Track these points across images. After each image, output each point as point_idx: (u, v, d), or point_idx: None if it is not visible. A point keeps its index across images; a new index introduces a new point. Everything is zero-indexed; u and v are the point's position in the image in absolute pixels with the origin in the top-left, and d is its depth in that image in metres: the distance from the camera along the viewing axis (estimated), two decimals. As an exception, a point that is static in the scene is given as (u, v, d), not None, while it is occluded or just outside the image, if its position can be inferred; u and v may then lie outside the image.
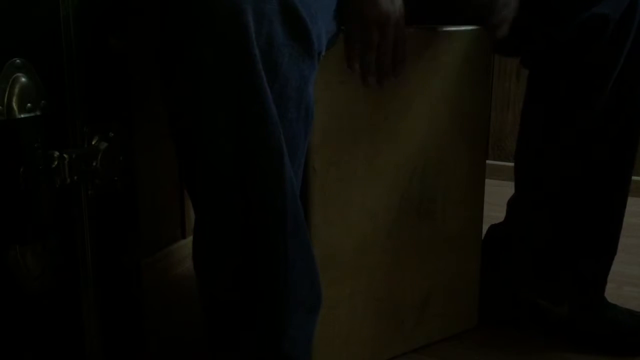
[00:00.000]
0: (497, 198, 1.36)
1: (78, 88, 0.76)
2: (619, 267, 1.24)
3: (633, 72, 1.08)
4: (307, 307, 0.84)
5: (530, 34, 1.09)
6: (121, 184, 0.82)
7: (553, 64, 1.12)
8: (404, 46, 0.89)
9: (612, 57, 1.06)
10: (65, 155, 0.74)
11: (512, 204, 1.27)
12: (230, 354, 0.84)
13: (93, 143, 0.78)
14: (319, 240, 0.97)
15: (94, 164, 0.78)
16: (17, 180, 0.70)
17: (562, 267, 1.19)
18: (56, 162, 0.73)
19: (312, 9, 0.76)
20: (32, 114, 0.71)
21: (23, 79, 0.70)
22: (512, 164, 1.25)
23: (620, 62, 1.06)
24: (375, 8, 0.85)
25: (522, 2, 1.03)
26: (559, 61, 1.10)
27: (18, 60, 0.70)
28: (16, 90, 0.69)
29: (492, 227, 1.30)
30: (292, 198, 0.77)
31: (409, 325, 1.13)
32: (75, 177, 0.76)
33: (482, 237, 1.22)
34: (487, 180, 1.17)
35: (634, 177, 1.15)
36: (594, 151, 1.13)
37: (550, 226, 1.19)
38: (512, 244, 1.25)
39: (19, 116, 0.69)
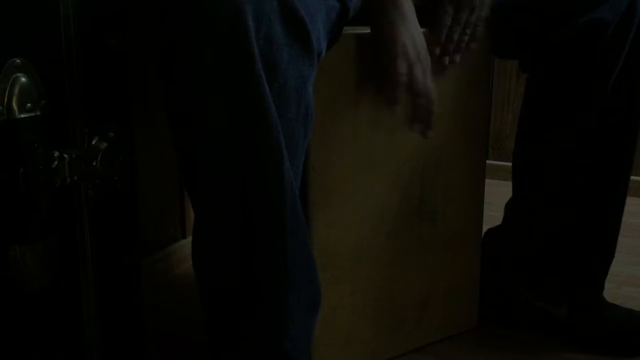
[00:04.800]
0: (497, 198, 1.36)
1: (78, 88, 0.76)
2: (618, 267, 1.24)
3: (632, 73, 1.08)
4: (307, 307, 0.84)
5: (530, 38, 1.09)
6: (121, 184, 0.82)
7: (552, 67, 1.12)
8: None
9: (611, 60, 1.06)
10: (65, 155, 0.74)
11: (509, 206, 1.27)
12: (231, 354, 0.84)
13: (93, 143, 0.78)
14: (319, 240, 0.97)
15: (94, 164, 0.78)
16: (17, 180, 0.70)
17: (561, 269, 1.19)
18: (56, 162, 0.73)
19: (312, 10, 0.76)
20: (32, 114, 0.70)
21: (23, 79, 0.70)
22: (512, 164, 1.25)
23: (619, 65, 1.07)
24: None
25: (521, 6, 1.03)
26: (558, 64, 1.10)
27: (18, 60, 0.70)
28: (16, 90, 0.69)
29: (491, 229, 1.30)
30: (292, 198, 0.77)
31: (409, 325, 1.13)
32: (75, 177, 0.76)
33: (482, 238, 1.22)
34: (487, 180, 1.17)
35: (633, 177, 1.15)
36: (593, 152, 1.13)
37: (548, 227, 1.19)
38: (510, 246, 1.25)
39: (19, 116, 0.69)
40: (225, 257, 0.80)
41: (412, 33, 0.90)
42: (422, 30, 0.92)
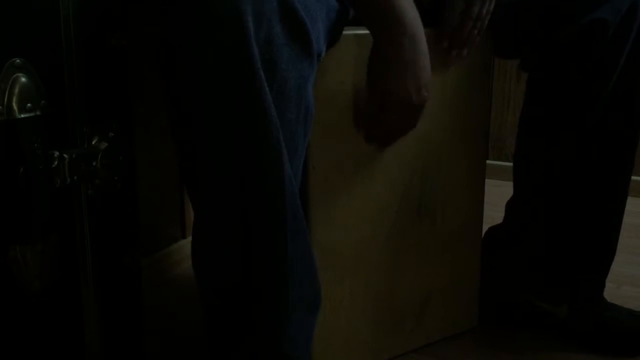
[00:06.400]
0: (497, 198, 1.36)
1: (78, 88, 0.76)
2: (618, 267, 1.24)
3: (633, 74, 1.08)
4: (307, 307, 0.84)
5: (530, 38, 1.09)
6: (121, 184, 0.82)
7: (553, 67, 1.12)
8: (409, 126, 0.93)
9: (612, 60, 1.06)
10: (65, 155, 0.74)
11: (510, 205, 1.27)
12: (230, 354, 0.84)
13: (93, 143, 0.78)
14: (319, 240, 0.97)
15: (94, 164, 0.78)
16: (17, 180, 0.70)
17: (561, 269, 1.19)
18: (56, 162, 0.73)
19: (312, 10, 0.76)
20: (32, 114, 0.70)
21: (23, 79, 0.70)
22: (512, 164, 1.25)
23: (620, 65, 1.07)
24: (401, 90, 0.86)
25: (522, 6, 1.03)
26: (559, 64, 1.10)
27: (18, 60, 0.70)
28: (16, 90, 0.69)
29: (491, 229, 1.30)
30: (292, 198, 0.77)
31: (409, 325, 1.13)
32: (75, 177, 0.76)
33: (482, 238, 1.22)
34: (487, 180, 1.17)
35: (633, 177, 1.16)
36: (593, 152, 1.13)
37: (549, 227, 1.19)
38: (510, 246, 1.25)
39: (19, 116, 0.69)
40: (225, 257, 0.80)
41: (404, 82, 0.86)
42: (426, 29, 0.91)
